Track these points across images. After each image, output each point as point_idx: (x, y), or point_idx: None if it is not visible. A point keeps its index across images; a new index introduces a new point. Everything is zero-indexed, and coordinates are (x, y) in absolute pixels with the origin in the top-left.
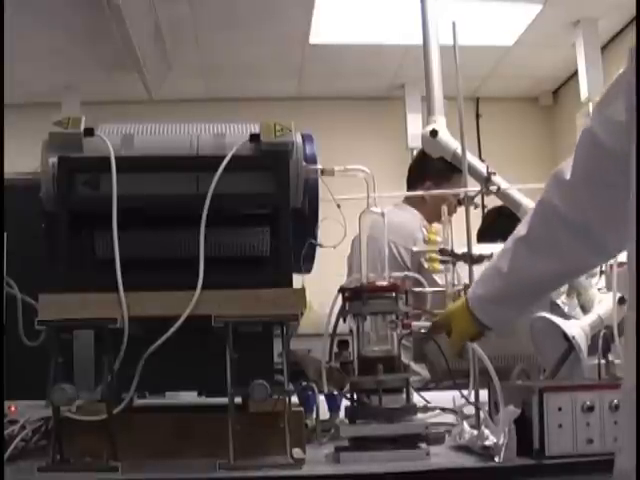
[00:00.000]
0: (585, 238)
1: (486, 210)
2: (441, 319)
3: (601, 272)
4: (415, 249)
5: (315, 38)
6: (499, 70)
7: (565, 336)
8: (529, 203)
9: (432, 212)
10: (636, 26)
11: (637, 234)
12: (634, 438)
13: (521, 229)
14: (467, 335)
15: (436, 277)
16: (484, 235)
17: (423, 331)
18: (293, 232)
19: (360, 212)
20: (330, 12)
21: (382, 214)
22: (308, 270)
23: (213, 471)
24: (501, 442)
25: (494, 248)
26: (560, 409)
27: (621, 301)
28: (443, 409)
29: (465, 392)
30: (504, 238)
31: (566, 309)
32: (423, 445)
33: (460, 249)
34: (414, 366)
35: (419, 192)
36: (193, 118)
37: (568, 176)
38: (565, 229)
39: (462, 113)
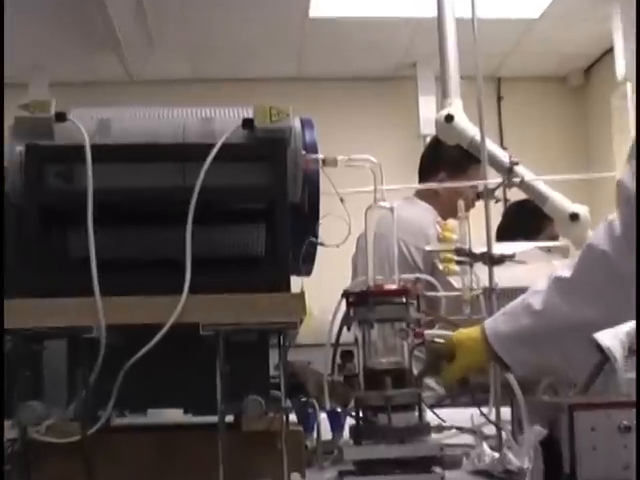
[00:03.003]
0: (632, 289)
1: (507, 205)
2: (445, 345)
3: None
4: (428, 248)
5: (315, 11)
6: (523, 46)
7: (598, 346)
8: (556, 196)
9: (447, 207)
10: (636, 28)
11: (637, 238)
12: None
13: (564, 270)
14: (474, 368)
15: (451, 280)
16: (504, 233)
17: (438, 340)
18: (291, 229)
19: (366, 207)
20: None
21: (391, 209)
22: (308, 272)
23: None
24: (526, 466)
25: (517, 247)
26: (593, 429)
27: None
28: (460, 428)
29: (485, 409)
30: (526, 236)
31: None
32: (437, 469)
33: (478, 248)
34: (427, 380)
35: (432, 184)
36: (178, 101)
37: (618, 232)
38: (613, 278)
39: (481, 95)
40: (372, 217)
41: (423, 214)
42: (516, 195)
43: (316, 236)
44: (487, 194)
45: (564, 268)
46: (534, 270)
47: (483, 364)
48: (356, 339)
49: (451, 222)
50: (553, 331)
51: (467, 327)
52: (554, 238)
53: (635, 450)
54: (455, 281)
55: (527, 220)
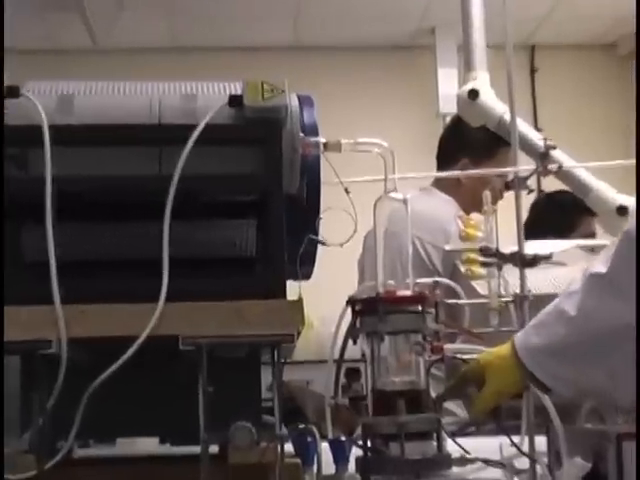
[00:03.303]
0: None
1: (535, 198)
2: (473, 368)
3: None
4: (448, 247)
5: None
6: (562, 9)
7: None
8: (601, 186)
9: (470, 199)
10: (636, 27)
11: (637, 237)
12: None
13: (598, 265)
14: (507, 392)
15: (476, 285)
16: (531, 231)
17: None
18: (287, 226)
19: (375, 199)
20: None
21: (404, 201)
22: (307, 275)
23: None
24: None
25: (553, 246)
26: None
27: None
28: (487, 461)
29: (516, 439)
30: (558, 234)
31: None
32: None
33: (508, 248)
34: (448, 403)
35: (454, 172)
36: (154, 74)
37: None
38: None
39: (512, 66)
40: (382, 211)
41: (442, 207)
42: (552, 185)
43: (316, 233)
44: (518, 183)
45: (599, 262)
46: (574, 273)
47: (517, 386)
48: (363, 355)
49: (475, 217)
50: (592, 340)
51: (495, 341)
52: (590, 236)
53: (635, 451)
54: (480, 286)
55: (558, 215)
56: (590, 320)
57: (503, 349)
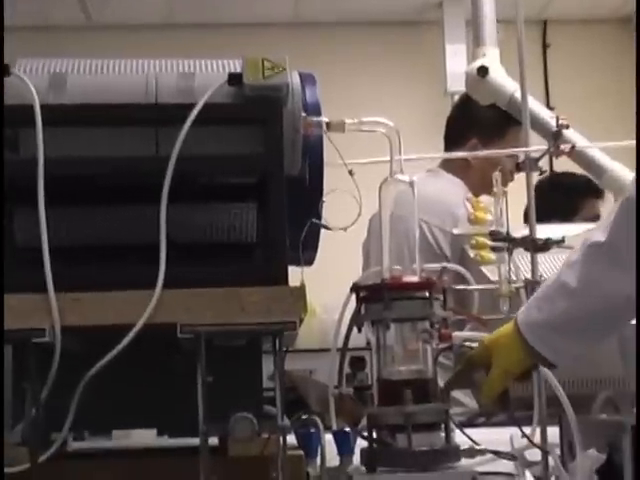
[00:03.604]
0: None
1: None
2: (478, 351)
3: None
4: (456, 231)
5: None
6: None
7: None
8: (616, 167)
9: (480, 180)
10: (636, 26)
11: (637, 235)
12: None
13: (597, 234)
14: (514, 372)
15: (485, 270)
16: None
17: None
18: (289, 209)
19: (381, 181)
20: None
21: (411, 183)
22: (309, 261)
23: None
24: None
25: (566, 230)
26: None
27: None
28: (497, 453)
29: (528, 430)
30: (561, 218)
31: None
32: None
33: (518, 232)
34: (456, 393)
35: (462, 153)
36: (150, 52)
37: None
38: None
39: (523, 42)
40: (388, 194)
41: (450, 189)
42: (564, 166)
43: (319, 217)
44: (529, 164)
45: (598, 230)
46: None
47: (523, 364)
48: (368, 343)
49: (484, 199)
50: (593, 314)
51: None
52: (594, 219)
53: (635, 450)
54: (490, 272)
55: (562, 198)
56: (590, 292)
57: (507, 327)
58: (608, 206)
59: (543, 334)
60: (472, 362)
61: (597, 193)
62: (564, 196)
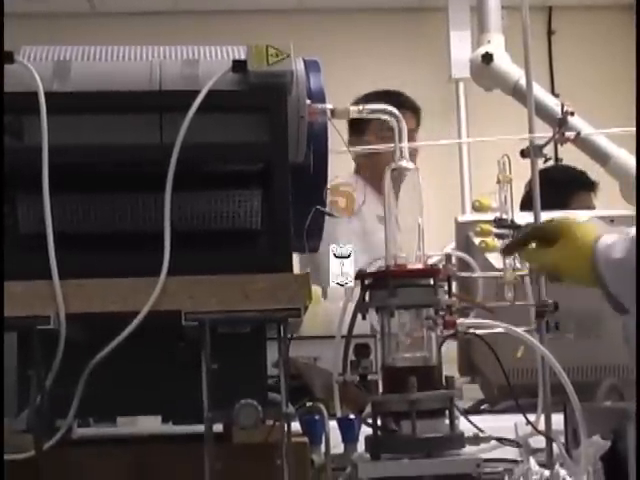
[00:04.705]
0: None
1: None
2: (550, 225)
3: None
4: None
5: None
6: None
7: None
8: (622, 154)
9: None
10: (636, 26)
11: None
12: None
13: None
14: (572, 272)
15: (490, 257)
16: (525, 207)
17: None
18: (293, 196)
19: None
20: None
21: (415, 170)
22: (314, 248)
23: None
24: None
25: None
26: None
27: None
28: (501, 440)
29: (532, 417)
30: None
31: None
32: None
33: (524, 219)
34: (461, 380)
35: (461, 140)
36: (154, 39)
37: None
38: None
39: (528, 28)
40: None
41: None
42: (570, 153)
43: (324, 204)
44: (534, 152)
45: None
46: None
47: (585, 277)
48: (373, 330)
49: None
50: None
51: (510, 316)
52: None
53: (635, 450)
54: (494, 259)
55: (552, 192)
56: None
57: (587, 232)
58: (602, 199)
59: (617, 274)
60: (537, 231)
61: (588, 187)
62: (553, 190)
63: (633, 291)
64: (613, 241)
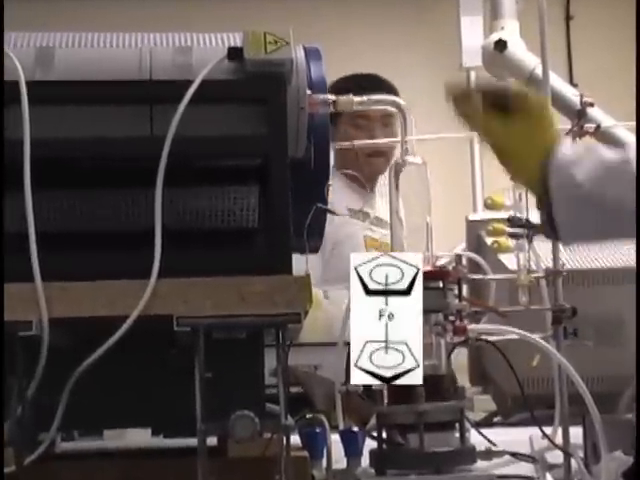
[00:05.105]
0: None
1: None
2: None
3: None
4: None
5: None
6: None
7: None
8: None
9: None
10: (636, 26)
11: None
12: None
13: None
14: (514, 155)
15: (503, 258)
16: None
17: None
18: (293, 193)
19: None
20: None
21: (423, 165)
22: (315, 248)
23: None
24: None
25: None
26: None
27: None
28: (515, 455)
29: (548, 430)
30: None
31: None
32: None
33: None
34: (472, 390)
35: (469, 132)
36: (144, 24)
37: None
38: None
39: (544, 14)
40: (399, 176)
41: None
42: None
43: (326, 202)
44: None
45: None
46: (612, 247)
47: (531, 181)
48: None
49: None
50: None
51: (524, 320)
52: None
53: (635, 449)
54: (508, 260)
55: None
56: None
57: (548, 134)
58: None
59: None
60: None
61: None
62: None
63: (586, 228)
64: (577, 157)
